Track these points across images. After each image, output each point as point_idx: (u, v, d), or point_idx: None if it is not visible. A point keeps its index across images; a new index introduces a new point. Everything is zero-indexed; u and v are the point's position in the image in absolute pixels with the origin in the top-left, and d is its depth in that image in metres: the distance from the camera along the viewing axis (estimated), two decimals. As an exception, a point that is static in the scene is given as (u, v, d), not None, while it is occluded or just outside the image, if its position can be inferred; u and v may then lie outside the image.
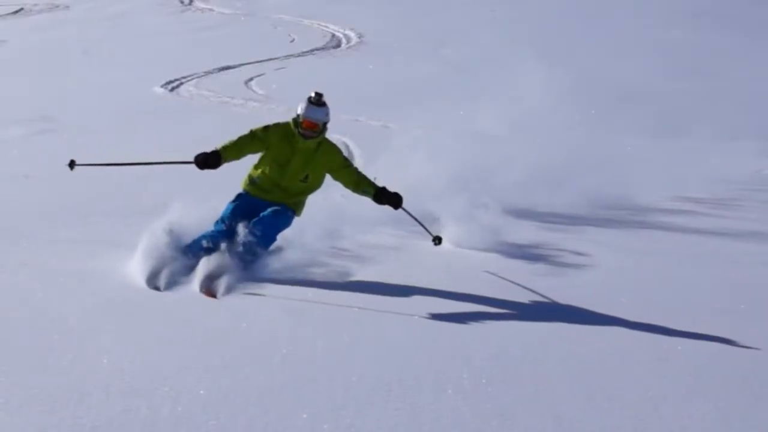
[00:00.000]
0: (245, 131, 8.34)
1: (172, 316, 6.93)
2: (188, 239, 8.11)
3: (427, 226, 8.86)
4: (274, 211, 8.29)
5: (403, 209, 8.58)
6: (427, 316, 7.26)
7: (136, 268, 7.69)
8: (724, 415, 5.67)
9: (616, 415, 5.55)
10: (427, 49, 28.89)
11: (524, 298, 7.96)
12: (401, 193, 8.55)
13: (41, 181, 12.93)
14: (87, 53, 28.77)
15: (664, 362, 6.54)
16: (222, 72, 25.79)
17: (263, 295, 7.48)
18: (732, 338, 7.19)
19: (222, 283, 7.52)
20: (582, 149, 14.19)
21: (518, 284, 8.35)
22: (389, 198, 8.51)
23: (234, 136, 8.28)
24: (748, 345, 7.05)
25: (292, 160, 8.35)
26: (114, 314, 6.80)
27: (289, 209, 8.43)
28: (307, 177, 8.41)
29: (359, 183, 8.49)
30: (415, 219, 8.67)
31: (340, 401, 5.47)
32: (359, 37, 31.59)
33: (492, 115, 13.91)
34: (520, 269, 8.98)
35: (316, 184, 8.52)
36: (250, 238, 8.05)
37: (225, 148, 8.23)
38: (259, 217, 8.25)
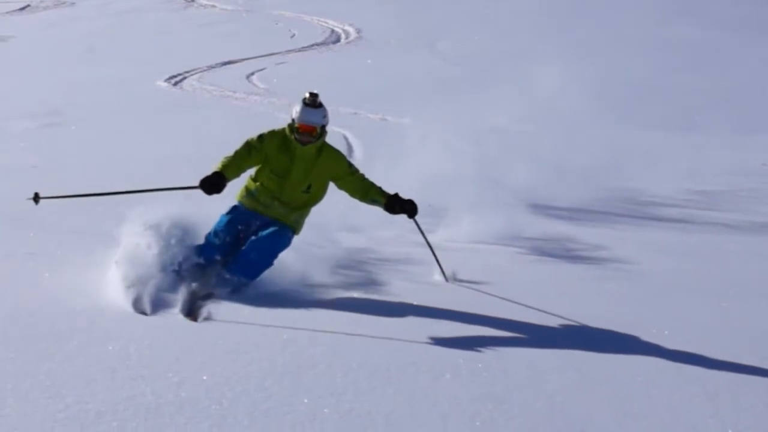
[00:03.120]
0: (241, 143, 7.59)
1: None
2: (171, 247, 7.31)
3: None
4: (270, 234, 7.53)
5: (416, 224, 7.95)
6: (427, 305, 7.35)
7: (118, 289, 6.95)
8: (712, 397, 5.77)
9: (606, 399, 5.66)
10: (424, 44, 28.98)
11: (524, 289, 8.03)
12: (403, 199, 7.78)
13: (48, 173, 13.05)
14: (92, 49, 28.86)
15: (654, 347, 6.67)
16: (224, 67, 25.89)
17: (264, 288, 7.50)
18: (722, 323, 7.32)
19: (204, 308, 6.82)
20: (595, 143, 14.21)
21: (519, 276, 8.42)
22: (403, 205, 7.75)
23: (230, 151, 7.54)
24: (736, 329, 7.17)
25: (292, 170, 7.59)
26: (119, 302, 6.86)
27: (287, 229, 7.65)
28: (309, 187, 7.65)
29: (367, 191, 7.74)
30: (430, 247, 8.11)
31: (340, 386, 5.56)
32: (358, 33, 31.68)
33: (493, 108, 13.96)
34: (522, 261, 9.06)
35: (319, 195, 7.75)
36: (243, 263, 7.41)
37: (225, 166, 7.41)
38: (255, 239, 7.53)
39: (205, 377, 5.56)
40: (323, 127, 7.61)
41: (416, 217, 7.86)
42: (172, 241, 7.33)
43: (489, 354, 6.29)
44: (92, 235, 8.85)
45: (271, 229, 7.56)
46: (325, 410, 5.22)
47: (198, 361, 5.80)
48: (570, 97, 14.50)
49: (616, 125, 16.48)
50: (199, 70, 25.07)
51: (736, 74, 25.63)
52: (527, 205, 11.27)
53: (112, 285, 7.05)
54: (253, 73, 24.95)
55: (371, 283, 8.00)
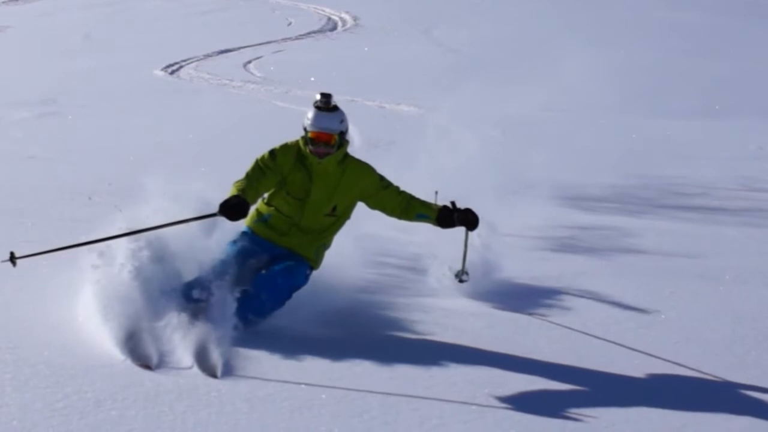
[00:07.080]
0: (251, 163, 6.46)
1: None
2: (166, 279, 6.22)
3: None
4: (283, 270, 6.41)
5: (465, 236, 6.82)
6: (427, 293, 7.38)
7: (106, 334, 5.90)
8: (706, 380, 5.85)
9: (604, 382, 5.73)
10: (420, 31, 29.02)
11: (528, 278, 8.02)
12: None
13: (45, 162, 13.08)
14: (89, 37, 28.84)
15: (649, 331, 6.73)
16: (221, 55, 25.85)
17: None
18: (716, 307, 7.35)
19: (218, 359, 5.65)
20: (617, 130, 14.15)
21: (521, 267, 8.41)
22: (463, 216, 6.57)
23: (242, 174, 6.40)
24: (730, 312, 7.21)
25: (311, 190, 6.45)
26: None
27: (305, 264, 6.54)
28: (334, 209, 6.52)
29: (409, 206, 6.60)
30: (464, 255, 6.97)
31: (336, 371, 5.60)
32: (355, 20, 31.69)
33: (495, 96, 13.93)
34: (525, 253, 9.05)
35: (345, 217, 6.64)
36: (251, 302, 6.26)
37: (243, 191, 6.19)
38: (265, 275, 6.42)
39: (203, 364, 5.59)
40: (342, 134, 6.44)
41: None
42: (168, 271, 6.26)
43: (486, 338, 6.35)
44: (91, 224, 8.83)
45: (284, 264, 6.46)
46: (323, 396, 5.26)
47: (196, 349, 5.83)
48: (576, 86, 14.48)
49: (639, 113, 16.44)
50: (195, 59, 25.03)
51: (746, 59, 25.65)
52: (549, 195, 11.15)
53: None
54: (250, 62, 24.93)
55: (371, 273, 7.89)
